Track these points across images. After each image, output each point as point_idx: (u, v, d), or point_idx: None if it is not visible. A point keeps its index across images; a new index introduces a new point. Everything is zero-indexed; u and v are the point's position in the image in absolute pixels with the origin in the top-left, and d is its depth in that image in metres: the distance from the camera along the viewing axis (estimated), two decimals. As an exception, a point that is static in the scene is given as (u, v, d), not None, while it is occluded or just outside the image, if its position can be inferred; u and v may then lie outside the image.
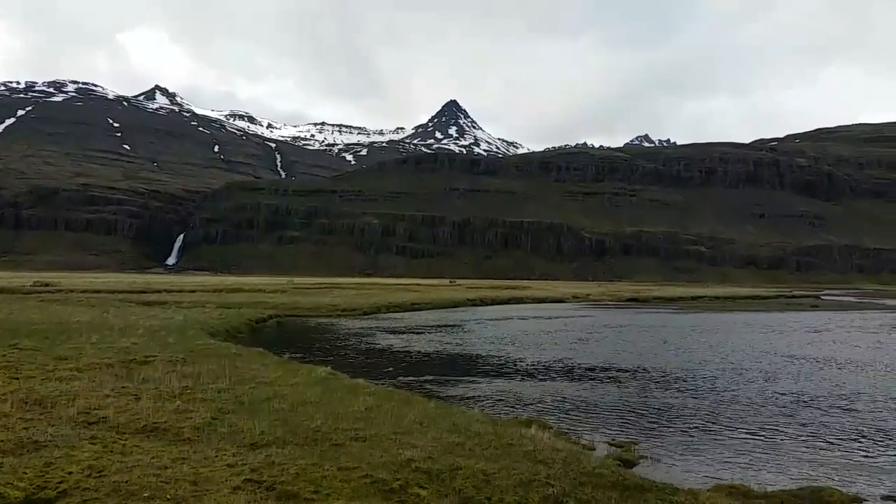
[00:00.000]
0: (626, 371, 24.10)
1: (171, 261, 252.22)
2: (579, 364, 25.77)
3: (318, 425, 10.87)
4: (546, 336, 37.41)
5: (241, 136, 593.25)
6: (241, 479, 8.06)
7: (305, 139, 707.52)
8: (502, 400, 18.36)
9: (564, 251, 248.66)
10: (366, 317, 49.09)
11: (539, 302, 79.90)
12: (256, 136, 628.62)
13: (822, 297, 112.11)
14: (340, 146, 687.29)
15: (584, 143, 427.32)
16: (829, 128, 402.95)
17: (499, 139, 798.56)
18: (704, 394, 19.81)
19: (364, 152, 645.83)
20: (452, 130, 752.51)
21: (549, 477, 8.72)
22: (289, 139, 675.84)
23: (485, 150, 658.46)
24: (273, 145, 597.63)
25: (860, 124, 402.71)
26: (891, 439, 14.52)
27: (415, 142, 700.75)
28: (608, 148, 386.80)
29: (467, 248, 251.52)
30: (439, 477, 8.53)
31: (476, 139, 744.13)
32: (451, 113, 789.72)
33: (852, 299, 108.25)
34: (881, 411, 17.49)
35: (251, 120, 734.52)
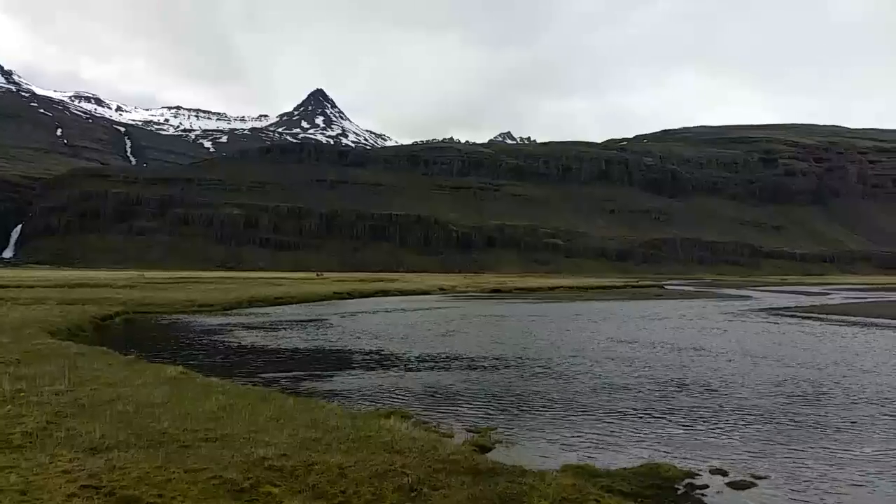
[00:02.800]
0: (488, 360, 24.84)
1: (7, 254, 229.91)
2: (443, 354, 26.26)
3: (165, 427, 10.35)
4: (412, 328, 37.77)
5: (87, 119, 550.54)
6: (77, 485, 7.53)
7: (159, 124, 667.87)
8: (366, 393, 18.36)
9: (432, 244, 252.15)
10: (225, 313, 47.22)
11: (407, 294, 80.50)
12: (104, 119, 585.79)
13: (666, 287, 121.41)
14: (198, 132, 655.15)
15: (451, 138, 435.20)
16: (674, 129, 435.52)
17: (367, 131, 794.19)
18: (559, 379, 20.83)
19: (224, 139, 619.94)
20: (319, 120, 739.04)
21: (404, 466, 8.83)
22: (140, 123, 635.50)
23: (353, 142, 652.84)
24: (122, 130, 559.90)
25: (701, 126, 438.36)
26: (721, 418, 15.98)
27: (279, 130, 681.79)
28: (474, 143, 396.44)
29: (335, 240, 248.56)
30: (293, 474, 8.40)
31: (344, 130, 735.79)
32: (318, 102, 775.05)
33: (692, 289, 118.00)
34: (715, 392, 19.20)
35: (98, 102, 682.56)
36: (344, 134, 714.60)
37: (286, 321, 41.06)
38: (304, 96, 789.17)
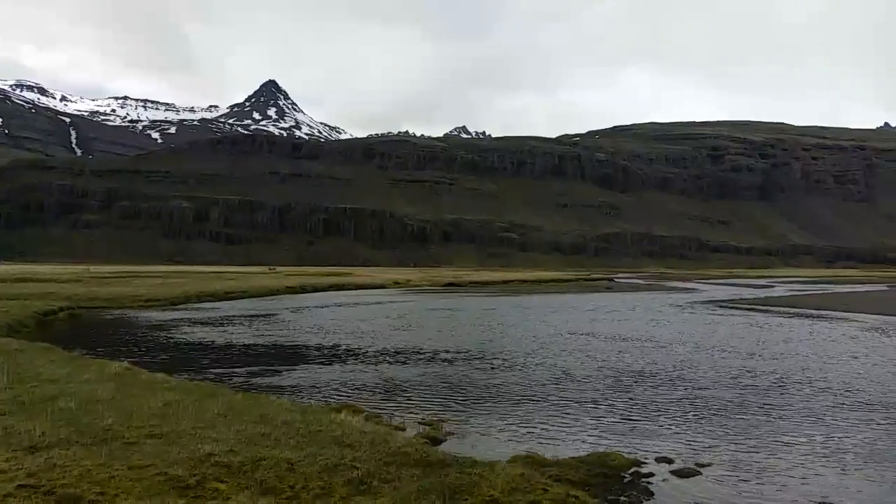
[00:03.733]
0: (442, 353, 24.93)
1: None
2: (397, 348, 26.24)
3: (109, 424, 10.10)
4: (366, 322, 37.63)
5: (30, 108, 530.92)
6: (14, 485, 7.31)
7: (105, 114, 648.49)
8: (318, 388, 18.24)
9: (387, 238, 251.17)
10: (174, 307, 46.23)
11: (361, 288, 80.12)
12: (48, 109, 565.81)
13: (616, 280, 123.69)
14: (145, 123, 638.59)
15: (406, 132, 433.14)
16: (624, 125, 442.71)
17: (321, 123, 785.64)
18: (512, 371, 21.05)
19: (173, 130, 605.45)
20: (272, 112, 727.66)
21: (354, 460, 8.81)
22: (86, 114, 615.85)
23: (307, 134, 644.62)
24: (67, 120, 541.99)
25: (651, 123, 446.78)
26: (668, 407, 16.38)
27: (230, 122, 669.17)
28: (429, 137, 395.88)
29: (288, 234, 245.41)
30: (241, 469, 8.30)
31: (297, 122, 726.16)
32: (270, 94, 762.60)
33: (641, 282, 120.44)
34: (663, 383, 19.65)
35: (42, 91, 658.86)
36: (297, 126, 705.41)
37: (236, 316, 40.43)
38: (256, 87, 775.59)
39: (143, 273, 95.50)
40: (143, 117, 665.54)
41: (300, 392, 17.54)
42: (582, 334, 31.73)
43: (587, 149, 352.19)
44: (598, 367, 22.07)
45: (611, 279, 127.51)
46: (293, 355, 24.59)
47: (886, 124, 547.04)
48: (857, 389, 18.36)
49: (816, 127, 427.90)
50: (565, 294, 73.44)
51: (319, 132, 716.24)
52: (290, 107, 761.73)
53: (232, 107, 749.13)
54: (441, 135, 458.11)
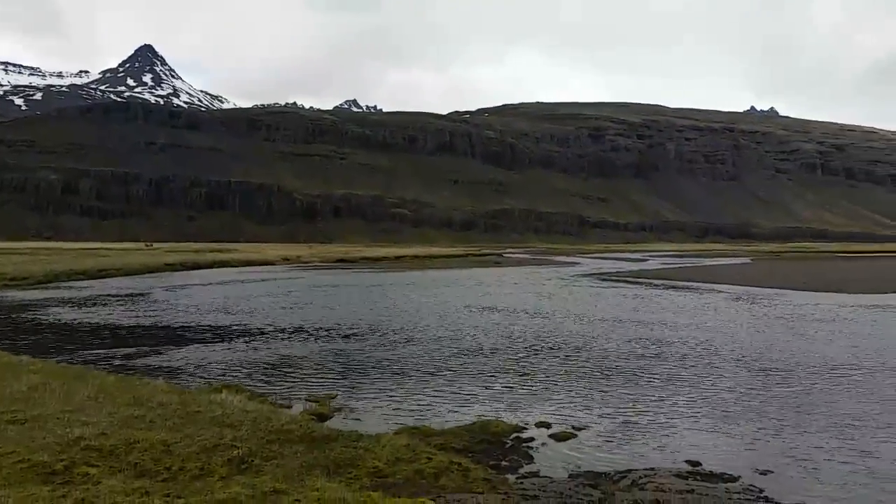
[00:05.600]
0: (332, 329, 24.73)
1: None
2: (285, 326, 25.77)
3: (-37, 412, 9.34)
4: (252, 300, 36.65)
5: None
6: None
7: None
8: (199, 368, 17.64)
9: (275, 213, 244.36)
10: (41, 286, 43.06)
11: (247, 265, 77.76)
12: None
13: (504, 255, 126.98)
14: (7, 88, 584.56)
15: (294, 103, 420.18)
16: (513, 104, 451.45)
17: (202, 91, 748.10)
18: (401, 346, 21.22)
19: (38, 97, 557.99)
20: (147, 78, 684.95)
21: (235, 439, 8.63)
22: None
23: (186, 102, 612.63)
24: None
25: (538, 102, 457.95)
26: (549, 374, 17.09)
27: (102, 88, 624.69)
28: (318, 110, 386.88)
29: (167, 208, 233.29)
30: (113, 453, 7.93)
31: (175, 90, 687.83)
32: (146, 59, 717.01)
33: (528, 256, 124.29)
34: (546, 351, 20.45)
35: None
36: (175, 94, 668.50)
37: (111, 295, 38.23)
38: (130, 52, 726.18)
39: (8, 250, 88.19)
40: (4, 82, 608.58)
41: (180, 374, 16.90)
42: (472, 308, 32.40)
43: (477, 126, 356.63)
44: (486, 339, 22.65)
45: (500, 254, 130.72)
46: (173, 336, 23.61)
47: (753, 108, 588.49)
48: (722, 354, 19.90)
49: (689, 109, 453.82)
50: (456, 269, 74.59)
51: (200, 101, 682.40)
52: (167, 73, 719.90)
53: (104, 72, 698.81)
54: (331, 108, 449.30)
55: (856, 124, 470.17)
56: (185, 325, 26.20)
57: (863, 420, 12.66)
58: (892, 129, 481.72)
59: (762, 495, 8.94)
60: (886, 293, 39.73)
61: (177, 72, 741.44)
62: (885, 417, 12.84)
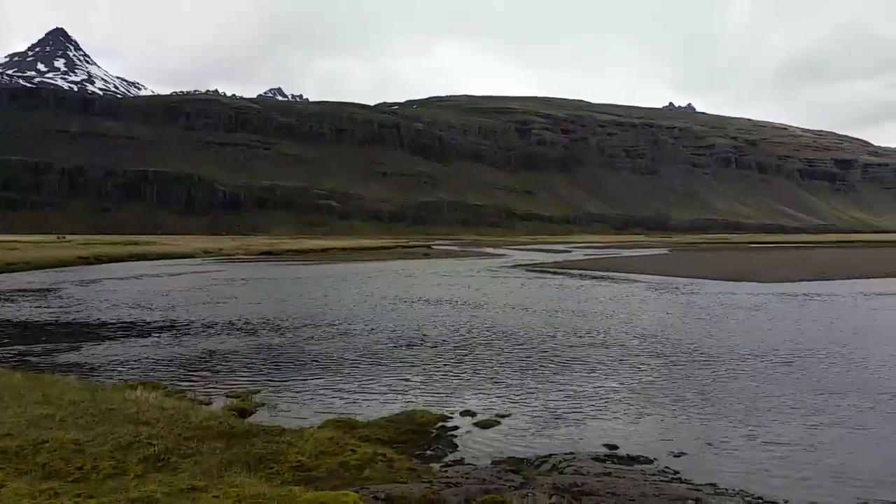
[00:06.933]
0: (255, 324, 24.24)
1: None
2: (206, 320, 25.09)
3: None
4: (171, 295, 35.49)
5: None
6: None
7: None
8: (114, 365, 16.98)
9: (196, 204, 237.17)
10: (-61, 281, 40.43)
11: (167, 258, 75.23)
12: None
13: (433, 248, 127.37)
14: None
15: (216, 91, 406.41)
16: (440, 96, 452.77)
17: (118, 78, 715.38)
18: (328, 339, 21.01)
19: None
20: (60, 63, 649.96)
21: (151, 437, 8.37)
22: None
23: (101, 89, 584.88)
24: None
25: (465, 95, 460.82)
26: (476, 364, 17.29)
27: (10, 73, 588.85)
28: (241, 98, 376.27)
29: (81, 199, 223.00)
30: (19, 454, 7.56)
31: (90, 76, 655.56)
32: (58, 43, 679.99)
33: (457, 248, 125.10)
34: (473, 341, 20.66)
35: None
36: (90, 80, 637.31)
37: (19, 290, 36.29)
38: (41, 35, 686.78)
39: None
40: None
41: (94, 371, 16.23)
42: (400, 300, 32.38)
43: (406, 118, 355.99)
44: (414, 331, 22.70)
45: (429, 246, 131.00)
46: (86, 332, 22.61)
47: (671, 104, 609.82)
48: (641, 342, 20.60)
49: (611, 105, 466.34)
50: (385, 261, 74.32)
51: (116, 87, 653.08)
52: (81, 58, 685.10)
53: (12, 56, 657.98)
54: (255, 96, 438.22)
55: (767, 121, 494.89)
56: (100, 321, 25.14)
57: (767, 403, 13.39)
58: (801, 125, 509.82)
59: (676, 476, 9.33)
60: (794, 282, 42.02)
61: (91, 57, 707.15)
62: (786, 400, 13.62)
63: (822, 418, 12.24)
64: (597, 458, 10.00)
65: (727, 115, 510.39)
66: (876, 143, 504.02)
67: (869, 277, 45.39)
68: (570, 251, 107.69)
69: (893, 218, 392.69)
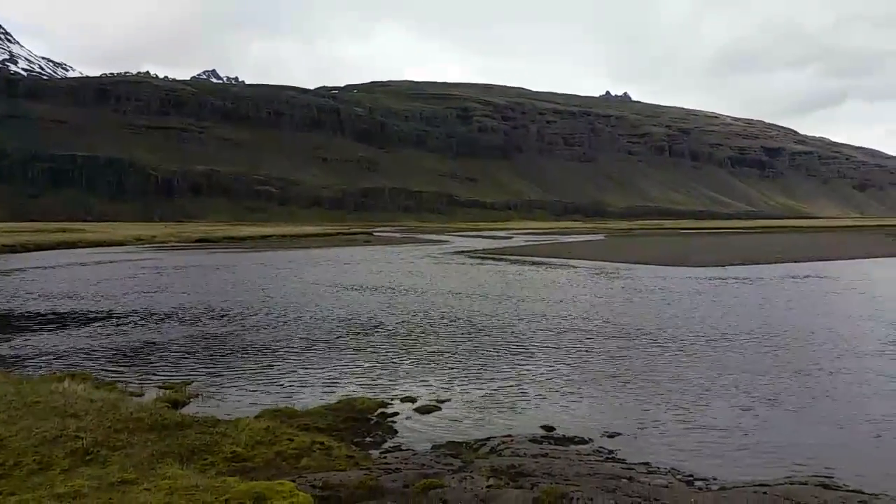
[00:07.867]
0: (190, 313, 23.66)
1: None
2: (139, 310, 24.34)
3: None
4: (102, 284, 34.28)
5: None
6: None
7: None
8: (40, 357, 16.32)
9: (128, 190, 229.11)
10: None
11: (97, 246, 72.58)
12: None
13: (375, 234, 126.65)
14: None
15: (147, 73, 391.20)
16: (381, 81, 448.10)
17: (43, 58, 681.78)
18: (266, 328, 20.68)
19: None
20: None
21: (79, 430, 8.08)
22: None
23: (25, 70, 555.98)
24: None
25: (406, 80, 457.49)
26: (414, 351, 17.32)
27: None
28: (174, 80, 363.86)
29: (5, 185, 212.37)
30: (-66, 453, 7.20)
31: (12, 55, 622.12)
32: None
33: (399, 235, 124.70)
34: (415, 328, 20.67)
35: None
36: (13, 60, 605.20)
37: (-65, 280, 34.39)
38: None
39: None
40: None
41: (18, 363, 15.57)
42: (341, 288, 32.12)
43: (346, 103, 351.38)
44: (355, 318, 22.56)
45: (370, 233, 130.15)
46: (10, 323, 21.65)
47: (608, 93, 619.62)
48: (577, 326, 21.02)
49: (550, 93, 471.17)
50: (326, 248, 73.50)
51: (42, 68, 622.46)
52: (3, 37, 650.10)
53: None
54: (188, 78, 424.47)
55: (700, 109, 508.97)
56: (27, 311, 24.10)
57: (700, 384, 13.89)
58: (733, 114, 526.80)
59: (610, 456, 9.59)
60: (724, 266, 43.60)
61: (14, 36, 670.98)
62: (717, 380, 14.16)
63: (754, 398, 12.77)
64: (534, 440, 10.18)
65: (662, 104, 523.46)
66: (802, 132, 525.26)
67: (794, 262, 47.51)
68: (510, 237, 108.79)
69: (817, 203, 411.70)
